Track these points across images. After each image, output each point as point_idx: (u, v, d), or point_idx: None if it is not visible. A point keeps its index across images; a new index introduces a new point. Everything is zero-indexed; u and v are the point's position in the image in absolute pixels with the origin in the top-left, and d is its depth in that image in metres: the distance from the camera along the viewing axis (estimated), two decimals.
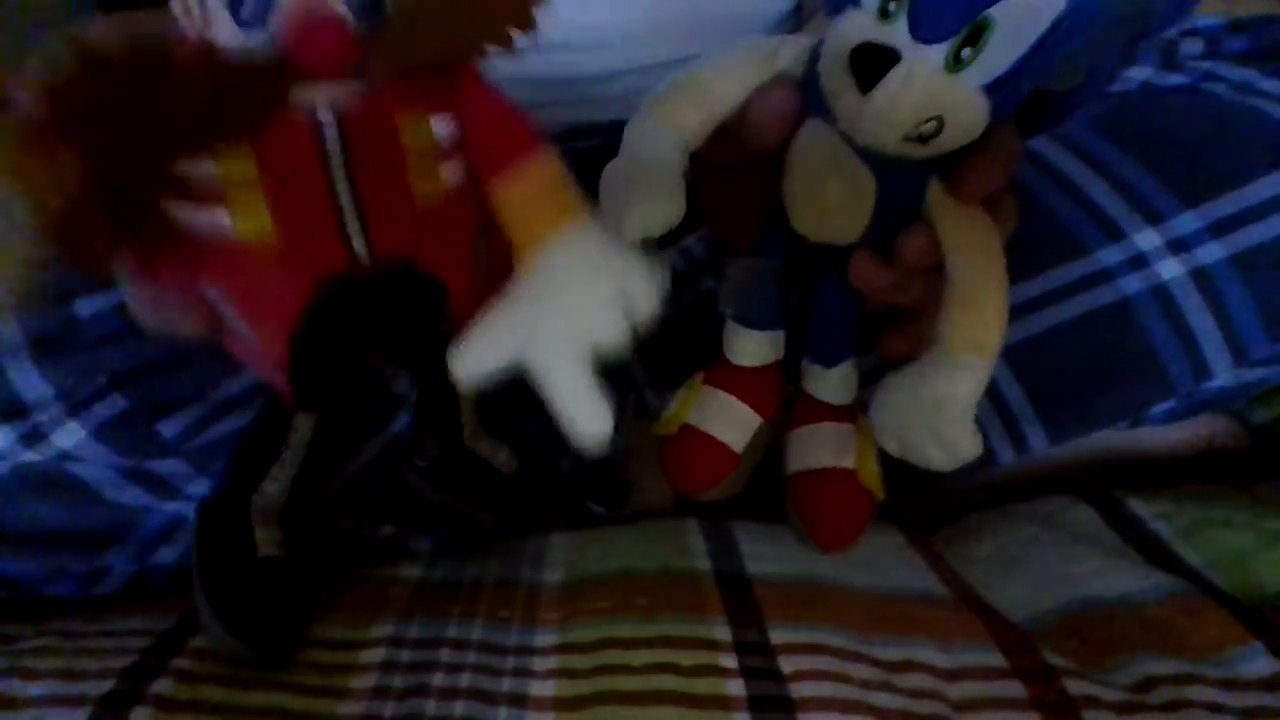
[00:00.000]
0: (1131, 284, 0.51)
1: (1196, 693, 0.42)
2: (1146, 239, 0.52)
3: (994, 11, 0.33)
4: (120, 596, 0.53)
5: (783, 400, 0.51)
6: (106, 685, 0.43)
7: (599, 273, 0.38)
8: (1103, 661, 0.44)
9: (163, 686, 0.42)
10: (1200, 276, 0.51)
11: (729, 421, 0.49)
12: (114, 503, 0.51)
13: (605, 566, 0.49)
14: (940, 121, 0.36)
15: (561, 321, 0.37)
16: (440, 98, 0.38)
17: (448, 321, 0.42)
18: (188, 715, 0.41)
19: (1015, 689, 0.42)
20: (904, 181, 0.40)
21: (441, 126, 0.38)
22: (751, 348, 0.49)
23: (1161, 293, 0.51)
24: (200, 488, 0.51)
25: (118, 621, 0.48)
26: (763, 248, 0.46)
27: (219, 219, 0.36)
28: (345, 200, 0.37)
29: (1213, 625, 0.45)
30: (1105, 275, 0.52)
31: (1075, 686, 0.41)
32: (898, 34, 0.35)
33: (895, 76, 0.35)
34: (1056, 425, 0.54)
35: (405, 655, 0.44)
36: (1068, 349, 0.52)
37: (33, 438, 0.49)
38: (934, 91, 0.35)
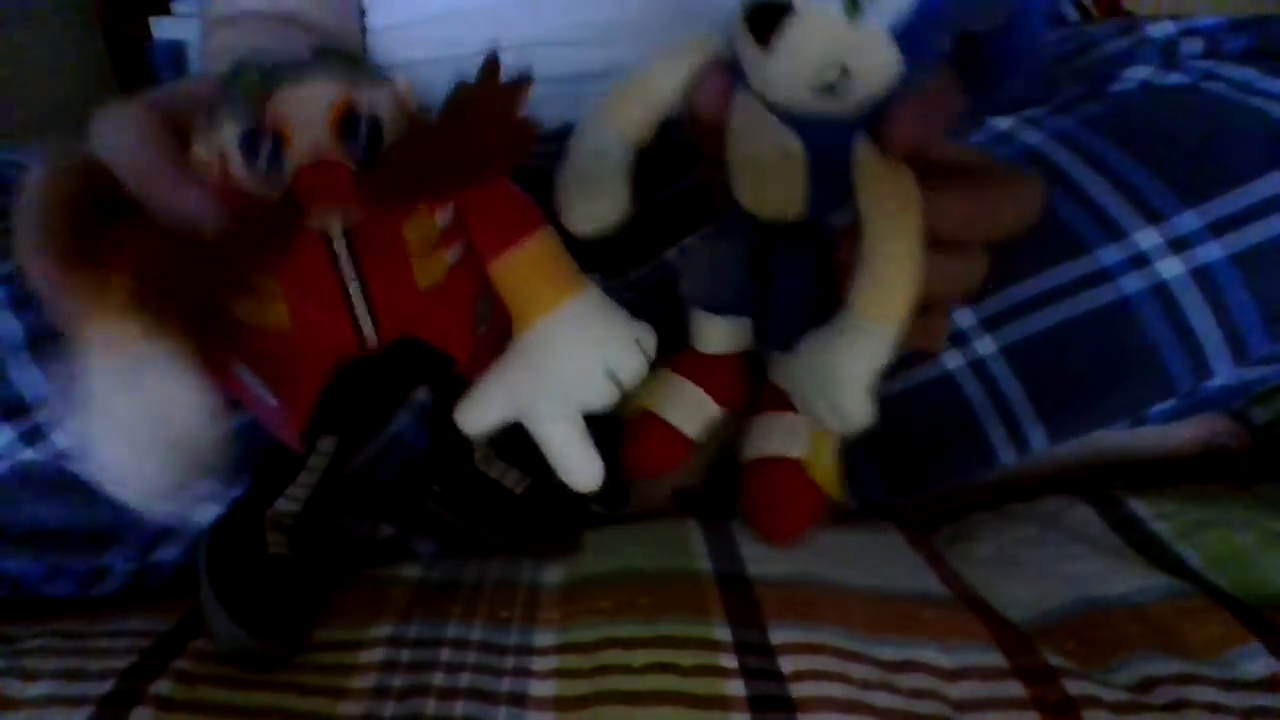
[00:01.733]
0: (1132, 283, 0.51)
1: (1197, 693, 0.42)
2: (1147, 238, 0.52)
3: None
4: (120, 596, 0.53)
5: (748, 391, 0.51)
6: (107, 685, 0.43)
7: (589, 344, 0.41)
8: (1103, 661, 0.44)
9: (163, 687, 0.42)
10: (1201, 275, 0.51)
11: (686, 408, 0.50)
12: (114, 501, 0.51)
13: (605, 566, 0.49)
14: (845, 71, 0.36)
15: (552, 389, 0.42)
16: (437, 200, 0.41)
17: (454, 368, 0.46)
18: (188, 715, 0.41)
19: (1015, 689, 0.42)
20: (832, 144, 0.39)
21: (443, 217, 0.41)
22: (714, 334, 0.50)
23: (1162, 292, 0.51)
24: (200, 486, 0.51)
25: (118, 622, 0.48)
26: (727, 231, 0.46)
27: (247, 313, 0.40)
28: (355, 295, 0.40)
29: (1213, 625, 0.45)
30: (1105, 274, 0.52)
31: (1075, 686, 0.41)
32: None
33: (794, 30, 0.36)
34: (1057, 424, 0.54)
35: (405, 655, 0.44)
36: (1068, 348, 0.52)
37: (33, 436, 0.49)
38: (833, 39, 0.35)
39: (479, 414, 0.43)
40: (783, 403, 0.50)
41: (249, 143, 0.36)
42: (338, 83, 0.37)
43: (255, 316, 0.40)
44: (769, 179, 0.42)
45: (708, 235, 0.48)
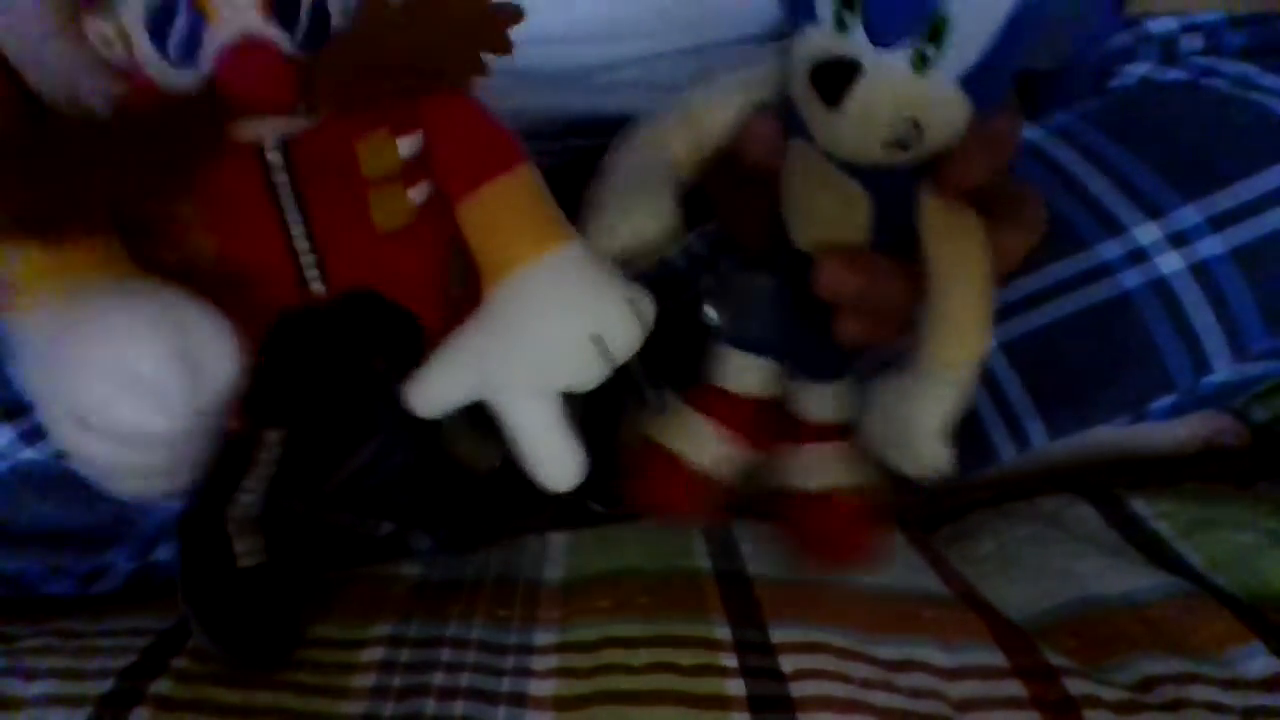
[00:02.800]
0: (1131, 278, 0.51)
1: (1197, 692, 0.42)
2: (1146, 233, 0.52)
3: (949, 6, 0.32)
4: (120, 595, 0.53)
5: (770, 429, 0.48)
6: (106, 685, 0.43)
7: (573, 306, 0.35)
8: (1103, 661, 0.44)
9: (163, 686, 0.42)
10: (1200, 270, 0.51)
11: (703, 445, 0.47)
12: (113, 500, 0.51)
13: (605, 566, 0.49)
14: (917, 124, 0.35)
15: (524, 359, 0.35)
16: (405, 115, 0.35)
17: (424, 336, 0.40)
18: (187, 715, 0.41)
19: (1015, 688, 0.42)
20: (897, 189, 0.38)
21: (407, 145, 0.35)
22: (736, 372, 0.47)
23: (1161, 287, 0.51)
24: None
25: (118, 621, 0.48)
26: (766, 265, 0.44)
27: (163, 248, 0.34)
28: (298, 235, 0.34)
29: (1213, 624, 0.45)
30: (1105, 270, 0.52)
31: (1075, 686, 0.42)
32: (857, 43, 0.34)
33: (861, 87, 0.34)
34: (1057, 420, 0.54)
35: (405, 654, 0.44)
36: (1068, 344, 0.52)
37: (33, 435, 0.49)
38: (904, 95, 0.34)
39: (435, 390, 0.37)
40: (815, 433, 0.47)
41: (158, 18, 0.30)
42: None
43: (172, 250, 0.34)
44: (832, 225, 0.40)
45: (740, 270, 0.46)
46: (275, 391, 0.39)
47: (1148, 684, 0.43)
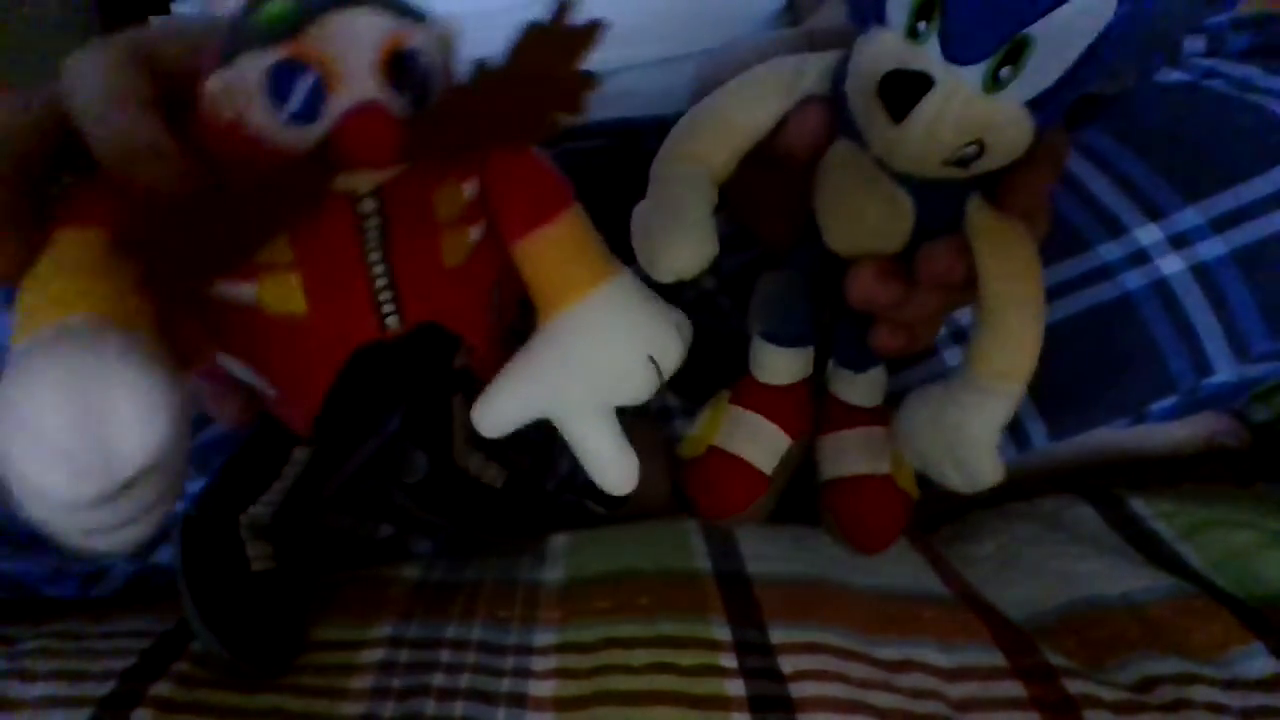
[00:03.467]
0: (1133, 280, 0.51)
1: (1197, 692, 0.42)
2: (1148, 234, 0.52)
3: (1034, 29, 0.31)
4: (120, 597, 0.53)
5: (811, 418, 0.49)
6: (107, 687, 0.43)
7: (630, 332, 0.38)
8: (1103, 661, 0.44)
9: (163, 688, 0.42)
10: (1201, 272, 0.51)
11: (758, 443, 0.48)
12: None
13: (605, 566, 0.49)
14: (981, 144, 0.34)
15: (587, 382, 0.38)
16: (473, 164, 0.37)
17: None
18: (188, 717, 0.41)
19: (1015, 689, 0.42)
20: (944, 200, 0.37)
21: (470, 190, 0.37)
22: (780, 365, 0.48)
23: (1163, 288, 0.51)
24: (200, 487, 0.51)
25: (118, 623, 0.48)
26: (793, 261, 0.45)
27: (246, 294, 0.35)
28: (380, 276, 0.36)
29: (1213, 625, 0.45)
30: (1106, 271, 0.52)
31: (1075, 686, 0.41)
32: (929, 55, 0.33)
33: (929, 103, 0.33)
34: (1058, 421, 0.54)
35: (405, 655, 0.44)
36: (1069, 345, 0.52)
37: None
38: (972, 115, 0.33)
39: (502, 412, 0.39)
40: (854, 418, 0.48)
41: (280, 79, 0.30)
42: (387, 16, 0.32)
43: (259, 296, 0.35)
44: (873, 232, 0.40)
45: (773, 268, 0.46)
46: (344, 417, 0.42)
47: (1148, 684, 0.43)
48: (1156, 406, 0.54)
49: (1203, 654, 0.44)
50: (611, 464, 0.39)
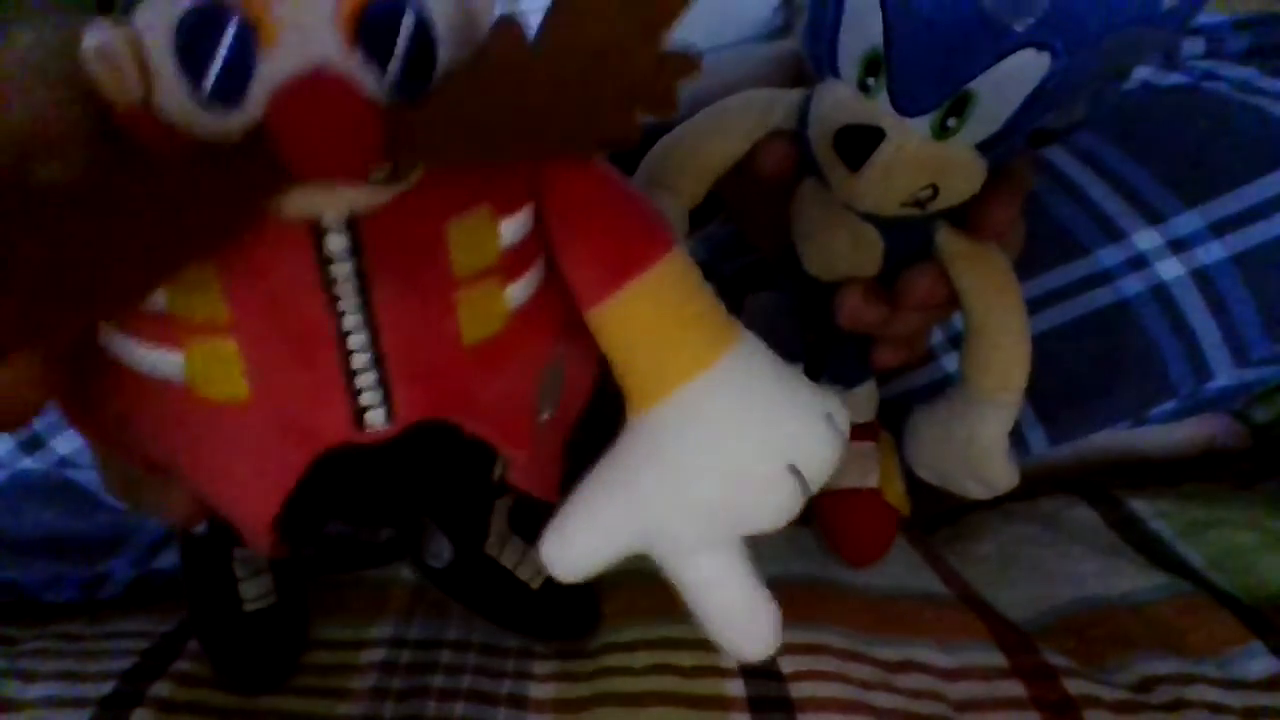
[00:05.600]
0: (1131, 284, 0.51)
1: (1197, 692, 0.42)
2: (1146, 239, 0.52)
3: (975, 84, 0.32)
4: (121, 600, 0.53)
5: None
6: (107, 687, 0.43)
7: (761, 429, 0.27)
8: (1103, 661, 0.44)
9: (163, 689, 0.42)
10: (1201, 276, 0.51)
11: None
12: (114, 508, 0.51)
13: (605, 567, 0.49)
14: (935, 187, 0.35)
15: (703, 502, 0.27)
16: (516, 189, 0.27)
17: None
18: (187, 717, 0.41)
19: (1015, 689, 0.42)
20: (911, 231, 0.39)
21: (512, 229, 0.26)
22: None
23: (1162, 293, 0.51)
24: None
25: (118, 624, 0.48)
26: (780, 282, 0.45)
27: (168, 367, 0.25)
28: (358, 348, 0.25)
29: (1213, 625, 0.45)
30: (1105, 276, 0.52)
31: (1075, 686, 0.41)
32: (880, 108, 0.34)
33: (882, 153, 0.34)
34: (1057, 426, 0.54)
35: (405, 656, 0.44)
36: (1068, 350, 0.52)
37: (32, 444, 0.49)
38: (924, 162, 0.34)
39: (581, 550, 0.29)
40: (851, 434, 0.48)
41: (194, 33, 0.21)
42: None
43: (187, 371, 0.25)
44: (845, 261, 0.41)
45: (760, 288, 0.47)
46: (307, 528, 0.32)
47: (1148, 684, 0.43)
48: (1156, 410, 0.54)
49: (1203, 654, 0.44)
50: (741, 619, 0.30)
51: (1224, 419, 0.63)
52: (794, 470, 0.27)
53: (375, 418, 0.26)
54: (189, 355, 0.24)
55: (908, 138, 0.34)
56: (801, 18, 0.66)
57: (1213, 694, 0.41)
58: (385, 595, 0.48)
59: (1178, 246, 0.51)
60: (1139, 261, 0.52)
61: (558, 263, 0.27)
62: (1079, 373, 0.53)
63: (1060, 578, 0.49)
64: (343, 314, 0.24)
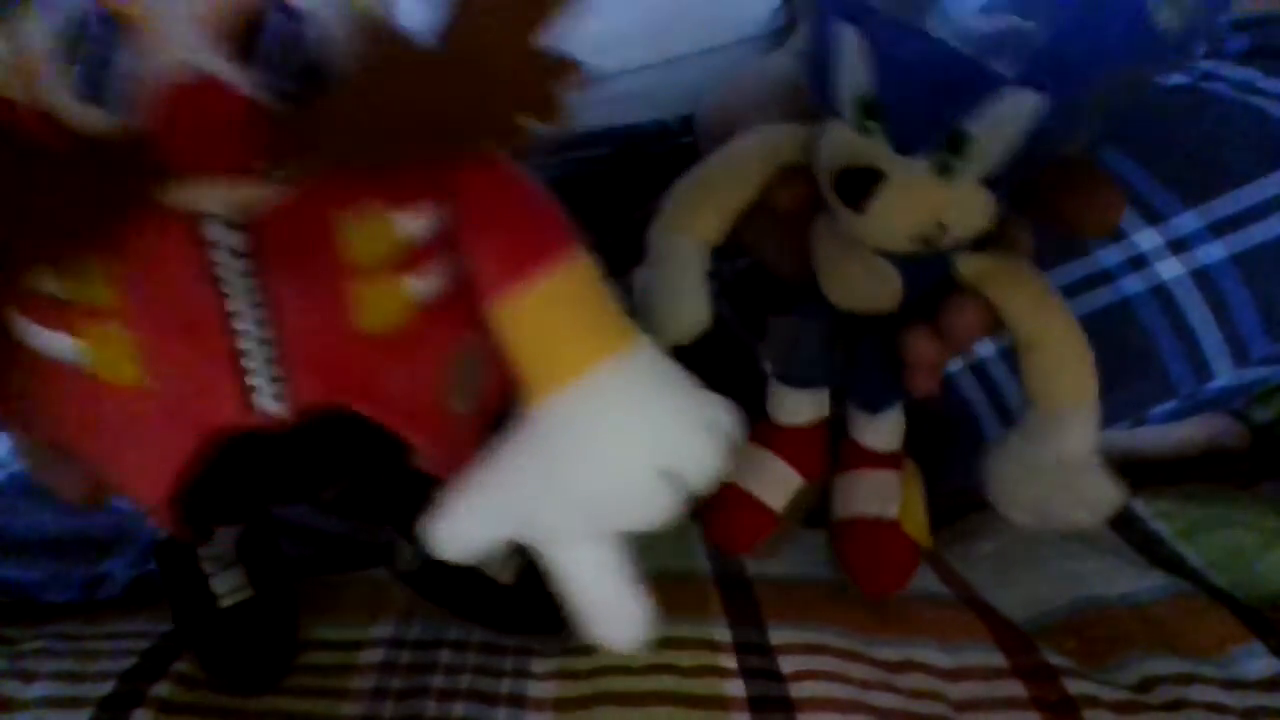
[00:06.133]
0: (1132, 284, 0.51)
1: (1197, 692, 0.42)
2: (1146, 239, 0.51)
3: (967, 124, 0.32)
4: (120, 600, 0.53)
5: (827, 458, 0.50)
6: (107, 687, 0.43)
7: (641, 431, 0.28)
8: (1103, 661, 0.44)
9: (163, 689, 0.42)
10: (1201, 276, 0.51)
11: (770, 481, 0.48)
12: (113, 509, 0.51)
13: None
14: (941, 225, 0.35)
15: (581, 496, 0.28)
16: (413, 185, 0.27)
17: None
18: (187, 718, 0.41)
19: (1015, 689, 0.42)
20: (928, 262, 0.38)
21: (412, 223, 0.27)
22: (795, 406, 0.48)
23: (1162, 293, 0.51)
24: None
25: (118, 624, 0.48)
26: (804, 308, 0.45)
27: (66, 350, 0.26)
28: (247, 337, 0.26)
29: (1213, 625, 0.45)
30: (1105, 276, 0.52)
31: (1075, 686, 0.41)
32: (880, 149, 0.34)
33: (884, 194, 0.34)
34: None
35: (405, 656, 0.44)
36: None
37: None
38: (927, 201, 0.34)
39: (465, 534, 0.30)
40: (867, 460, 0.49)
41: (74, 36, 0.21)
42: None
43: (89, 355, 0.26)
44: (862, 292, 0.41)
45: (788, 312, 0.46)
46: (207, 511, 0.32)
47: (1148, 684, 0.42)
48: (1156, 410, 0.54)
49: (1203, 654, 0.44)
50: (612, 612, 0.31)
51: (1224, 419, 0.63)
52: (669, 474, 0.28)
53: (264, 402, 0.27)
54: (87, 340, 0.25)
55: (909, 178, 0.34)
56: (800, 30, 0.67)
57: (1213, 694, 0.41)
58: (385, 595, 0.48)
59: (1178, 246, 0.51)
60: (1139, 261, 0.51)
61: (466, 258, 0.28)
62: None
63: (1060, 578, 0.49)
64: (229, 298, 0.25)
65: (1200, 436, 0.61)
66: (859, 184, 0.34)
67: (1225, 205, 0.51)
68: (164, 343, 0.26)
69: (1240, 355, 0.51)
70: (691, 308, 0.40)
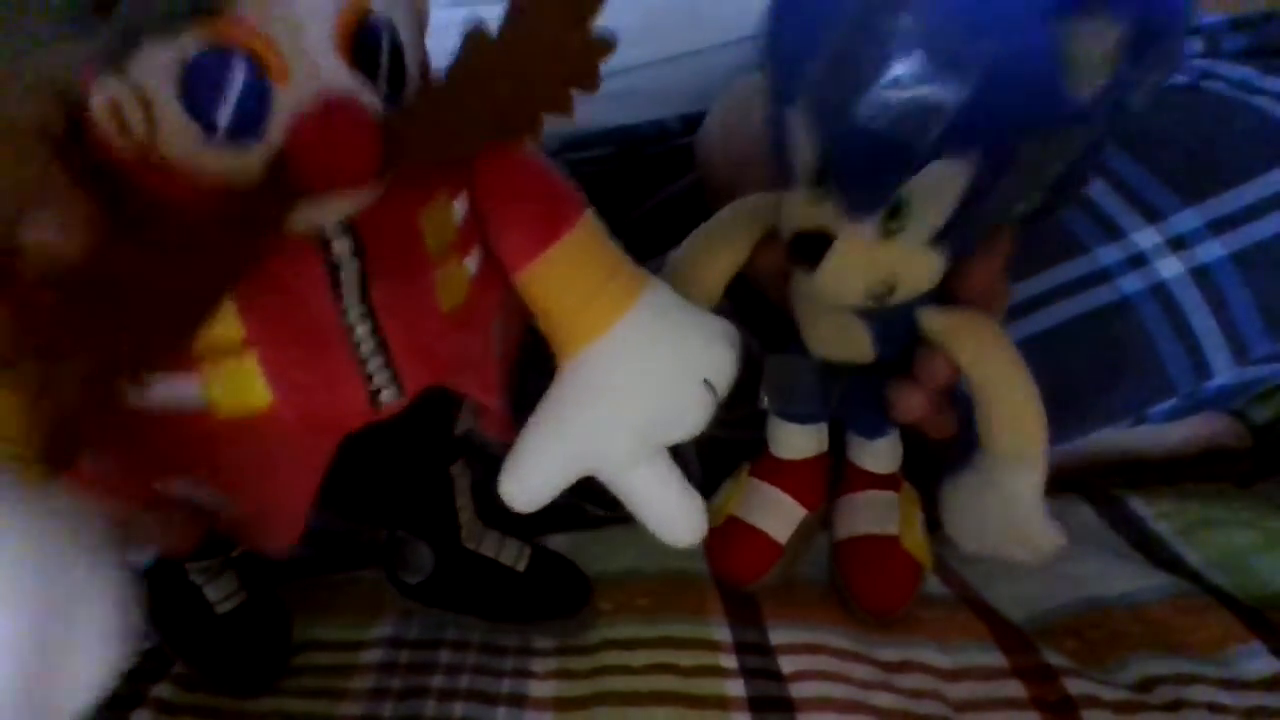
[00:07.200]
0: (1131, 283, 0.51)
1: (1197, 692, 0.42)
2: (1146, 237, 0.51)
3: (905, 190, 0.34)
4: None
5: (826, 489, 0.51)
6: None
7: (678, 355, 0.32)
8: (1103, 661, 0.44)
9: (163, 690, 0.42)
10: (1200, 275, 0.51)
11: (773, 514, 0.49)
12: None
13: (605, 567, 0.49)
14: (889, 283, 0.37)
15: (637, 422, 0.32)
16: (460, 172, 0.30)
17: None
18: (188, 718, 0.41)
19: (1015, 689, 0.42)
20: (894, 315, 0.40)
21: (461, 208, 0.30)
22: (794, 441, 0.49)
23: (1161, 291, 0.51)
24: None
25: None
26: (800, 347, 0.46)
27: (184, 395, 0.27)
28: (364, 339, 0.28)
29: (1213, 625, 0.45)
30: (1105, 274, 0.52)
31: (1075, 686, 0.41)
32: (829, 212, 0.36)
33: (834, 255, 0.36)
34: (1057, 425, 0.53)
35: (404, 656, 0.44)
36: (1068, 349, 0.52)
37: None
38: (875, 260, 0.36)
39: (535, 481, 0.32)
40: (866, 481, 0.49)
41: (200, 76, 0.22)
42: None
43: (206, 394, 0.27)
44: (837, 345, 0.43)
45: (785, 349, 0.47)
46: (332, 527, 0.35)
47: (1148, 684, 0.43)
48: (1156, 409, 0.54)
49: (1203, 654, 0.44)
50: (678, 514, 0.34)
51: (1224, 419, 0.63)
52: (707, 383, 0.32)
53: (388, 396, 0.29)
54: (205, 379, 0.26)
55: (855, 240, 0.36)
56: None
57: (1213, 694, 0.41)
58: (385, 595, 0.48)
59: (1177, 245, 0.51)
60: (1138, 260, 0.51)
61: (487, 232, 0.31)
62: (1079, 371, 0.52)
63: (1060, 578, 0.49)
64: (346, 310, 0.27)
65: (1200, 436, 0.61)
66: (812, 247, 0.37)
67: (1224, 204, 0.51)
68: (294, 359, 0.27)
69: (1240, 353, 0.51)
70: None
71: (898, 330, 0.41)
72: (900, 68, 0.31)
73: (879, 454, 0.49)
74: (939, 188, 0.34)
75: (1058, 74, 0.30)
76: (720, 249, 0.43)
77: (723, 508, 0.50)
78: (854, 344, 0.42)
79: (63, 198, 0.21)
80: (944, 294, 0.40)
